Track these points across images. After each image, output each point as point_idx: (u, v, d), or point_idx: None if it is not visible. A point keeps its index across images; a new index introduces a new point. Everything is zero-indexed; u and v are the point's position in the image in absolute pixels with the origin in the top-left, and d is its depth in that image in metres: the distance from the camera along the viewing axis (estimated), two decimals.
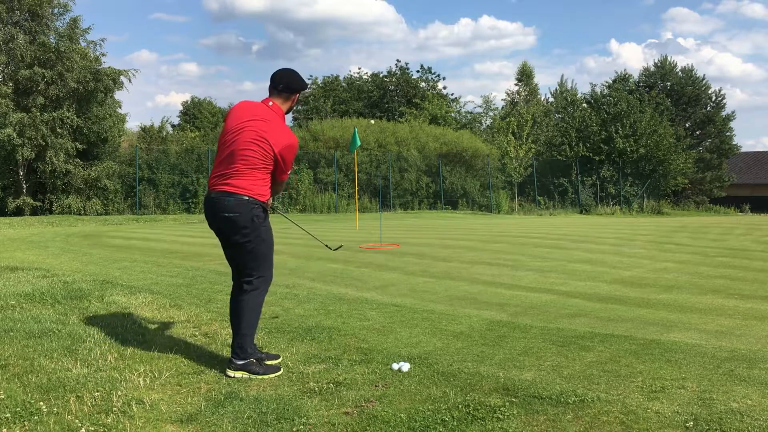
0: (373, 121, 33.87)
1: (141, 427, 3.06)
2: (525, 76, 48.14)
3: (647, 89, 43.24)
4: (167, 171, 24.87)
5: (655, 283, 7.28)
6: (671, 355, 4.17)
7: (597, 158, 35.70)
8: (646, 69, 46.16)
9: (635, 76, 45.89)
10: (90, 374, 3.78)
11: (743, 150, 48.50)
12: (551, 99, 48.41)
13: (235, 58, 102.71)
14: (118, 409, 3.24)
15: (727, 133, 44.65)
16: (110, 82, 22.47)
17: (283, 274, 7.99)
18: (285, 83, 3.94)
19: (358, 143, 14.65)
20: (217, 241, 4.12)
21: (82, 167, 22.13)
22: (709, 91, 44.78)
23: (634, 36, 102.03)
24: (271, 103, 3.91)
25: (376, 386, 3.58)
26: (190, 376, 3.82)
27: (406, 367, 3.89)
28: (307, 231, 5.65)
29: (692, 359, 4.08)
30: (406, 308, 5.80)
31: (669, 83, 44.55)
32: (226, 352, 4.26)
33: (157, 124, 28.52)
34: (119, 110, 24.07)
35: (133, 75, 23.61)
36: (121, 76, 23.09)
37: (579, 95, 44.97)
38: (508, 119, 36.53)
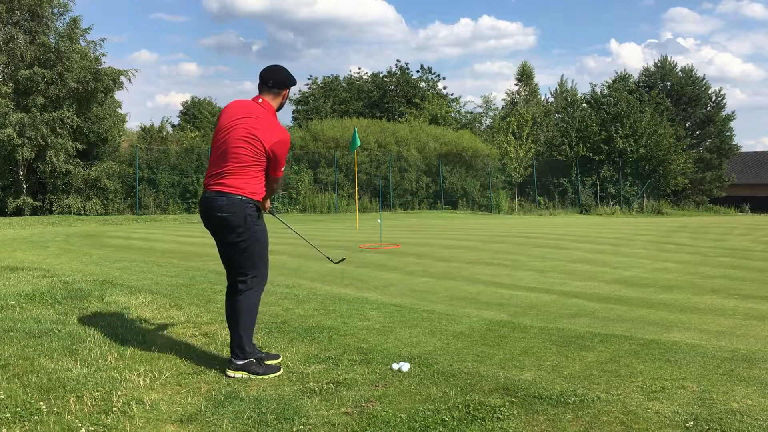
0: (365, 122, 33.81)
1: (141, 427, 3.06)
2: (525, 76, 48.10)
3: (647, 89, 43.22)
4: (167, 171, 24.87)
5: (655, 283, 7.28)
6: (671, 355, 4.17)
7: (597, 158, 35.69)
8: (646, 69, 46.18)
9: (635, 76, 45.94)
10: (90, 374, 3.78)
11: (743, 150, 48.51)
12: (551, 99, 48.42)
13: (235, 58, 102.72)
14: (118, 409, 3.24)
15: (727, 133, 44.64)
16: (110, 82, 22.48)
17: (283, 274, 7.99)
18: (274, 79, 3.92)
19: (358, 143, 14.65)
20: None
21: (82, 167, 22.13)
22: (709, 91, 44.77)
23: (634, 36, 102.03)
24: (261, 100, 3.90)
25: (376, 386, 3.58)
26: (190, 376, 3.82)
27: (406, 367, 3.89)
28: (307, 241, 5.56)
29: (692, 359, 4.08)
30: (406, 308, 5.80)
31: (669, 83, 44.54)
32: (226, 352, 4.26)
33: (157, 124, 28.50)
34: (119, 110, 24.07)
35: (133, 75, 23.64)
36: (121, 76, 23.10)
37: (579, 95, 44.98)
38: (508, 119, 36.52)
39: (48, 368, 3.88)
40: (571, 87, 47.80)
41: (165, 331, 4.87)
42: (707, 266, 8.62)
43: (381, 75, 46.55)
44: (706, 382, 3.61)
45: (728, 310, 5.77)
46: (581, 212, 34.40)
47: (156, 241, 12.54)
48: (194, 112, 46.10)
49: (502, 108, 46.46)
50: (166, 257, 9.76)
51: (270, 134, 3.78)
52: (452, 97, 47.10)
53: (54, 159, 21.06)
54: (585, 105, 40.88)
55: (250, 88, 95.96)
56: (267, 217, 4.33)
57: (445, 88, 51.74)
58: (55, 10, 23.05)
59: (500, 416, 3.13)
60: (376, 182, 29.97)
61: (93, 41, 23.52)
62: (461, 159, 33.13)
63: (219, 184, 3.79)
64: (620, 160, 36.00)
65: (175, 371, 3.89)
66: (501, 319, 5.37)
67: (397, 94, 45.67)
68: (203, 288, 6.81)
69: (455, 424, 3.06)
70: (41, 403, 3.27)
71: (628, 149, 35.47)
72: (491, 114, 46.53)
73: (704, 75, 45.64)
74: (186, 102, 47.10)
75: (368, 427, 3.03)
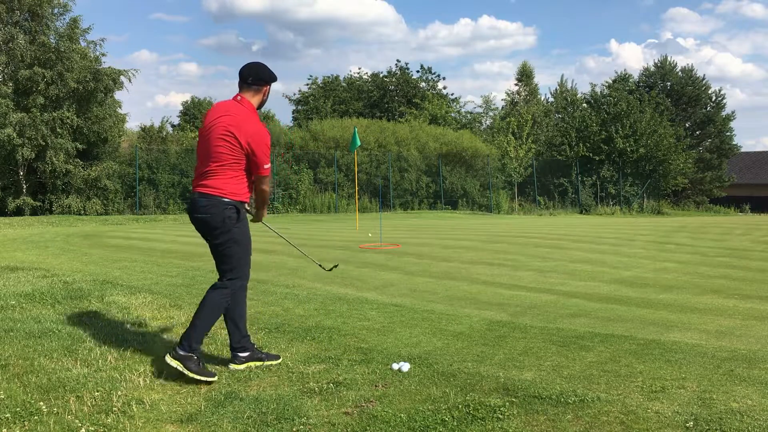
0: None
1: (141, 427, 3.06)
2: (525, 76, 48.08)
3: (647, 89, 43.22)
4: (167, 171, 24.86)
5: (655, 283, 7.28)
6: (671, 355, 4.17)
7: (597, 158, 35.68)
8: (646, 69, 46.17)
9: (635, 76, 45.94)
10: (90, 374, 3.78)
11: (743, 150, 48.50)
12: (551, 99, 48.39)
13: (235, 58, 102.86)
14: (118, 409, 3.24)
15: (727, 133, 44.64)
16: (110, 82, 22.46)
17: (283, 274, 7.99)
18: (253, 76, 3.92)
19: (358, 143, 14.64)
20: None
21: (82, 167, 22.12)
22: (709, 91, 44.76)
23: (634, 36, 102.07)
24: (239, 98, 3.91)
25: (376, 386, 3.58)
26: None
27: (406, 367, 3.89)
28: (298, 248, 5.45)
29: (692, 359, 4.08)
30: (406, 308, 5.80)
31: (669, 83, 44.53)
32: (226, 352, 4.26)
33: (157, 124, 28.47)
34: (119, 110, 24.05)
35: (133, 75, 23.60)
36: (121, 76, 23.08)
37: (579, 95, 44.94)
38: (508, 119, 36.51)
39: (48, 368, 3.88)
40: (571, 87, 47.76)
41: (165, 331, 4.87)
42: (707, 266, 8.62)
43: (381, 75, 46.56)
44: (706, 382, 3.61)
45: (728, 310, 5.77)
46: (581, 212, 34.40)
47: (156, 241, 12.54)
48: (194, 112, 46.08)
49: (502, 108, 46.44)
50: (166, 257, 9.76)
51: (244, 128, 3.76)
52: (452, 97, 47.14)
53: (54, 159, 21.05)
54: (585, 105, 40.87)
55: None
56: (265, 217, 4.32)
57: (445, 88, 51.76)
58: (55, 10, 23.03)
59: (500, 416, 3.13)
60: (376, 182, 29.96)
61: (93, 41, 23.51)
62: (461, 159, 33.12)
63: (201, 185, 3.82)
64: (620, 160, 36.00)
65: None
66: (501, 319, 5.37)
67: (397, 94, 45.66)
68: (203, 288, 6.79)
69: (455, 424, 3.06)
70: (41, 403, 3.27)
71: (628, 149, 35.46)
72: (491, 114, 46.52)
73: (704, 75, 45.67)
74: (186, 102, 47.10)
75: (368, 427, 3.03)
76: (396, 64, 49.60)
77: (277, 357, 4.13)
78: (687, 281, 7.38)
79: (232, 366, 3.95)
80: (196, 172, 3.90)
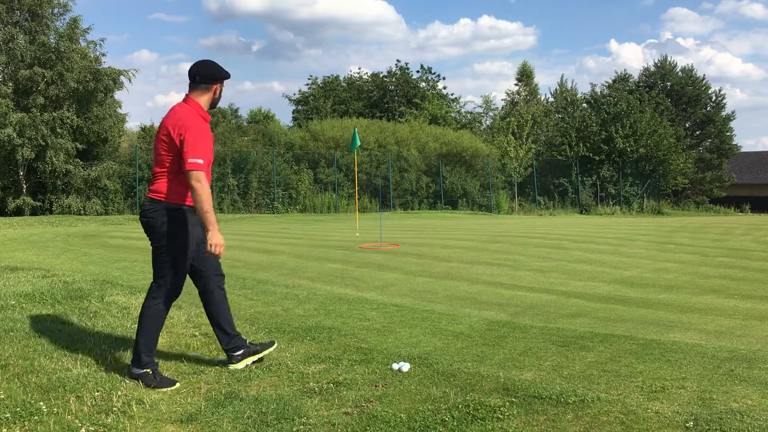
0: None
1: (141, 427, 3.06)
2: (525, 76, 48.10)
3: (647, 89, 43.22)
4: None
5: (655, 283, 7.28)
6: (671, 355, 4.17)
7: (597, 158, 35.68)
8: (646, 69, 46.17)
9: (635, 76, 45.93)
10: (90, 374, 3.78)
11: (743, 150, 48.50)
12: (551, 99, 48.40)
13: (235, 58, 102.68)
14: (118, 409, 3.24)
15: (727, 133, 44.64)
16: (110, 82, 22.46)
17: (283, 274, 7.99)
18: (200, 74, 3.80)
19: (358, 143, 14.63)
20: None
21: (82, 167, 22.12)
22: (709, 91, 44.77)
23: (634, 36, 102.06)
24: (185, 98, 3.84)
25: (376, 386, 3.58)
26: (190, 376, 3.82)
27: (406, 367, 3.89)
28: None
29: (692, 359, 4.08)
30: (406, 308, 5.80)
31: (669, 83, 44.53)
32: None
33: (157, 124, 28.47)
34: (119, 110, 24.06)
35: (133, 75, 23.60)
36: (121, 76, 23.08)
37: (579, 95, 44.96)
38: (508, 119, 36.50)
39: (48, 368, 3.88)
40: (571, 87, 47.77)
41: (165, 331, 4.86)
42: (707, 266, 8.62)
43: (381, 75, 46.56)
44: (706, 382, 3.61)
45: (728, 310, 5.77)
46: (581, 212, 34.40)
47: None
48: None
49: (502, 108, 46.43)
50: None
51: (179, 123, 3.64)
52: (452, 97, 47.12)
53: (54, 159, 21.05)
54: (585, 105, 40.88)
55: (250, 88, 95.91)
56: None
57: (445, 88, 51.72)
58: (55, 10, 23.04)
59: (500, 416, 3.13)
60: (376, 182, 29.97)
61: (93, 41, 23.51)
62: (461, 159, 33.12)
63: (149, 189, 3.81)
64: (620, 160, 35.99)
65: (175, 371, 3.90)
66: (501, 319, 5.37)
67: (397, 94, 45.66)
68: None
69: (455, 424, 3.06)
70: (41, 403, 3.27)
71: (628, 149, 35.46)
72: (491, 114, 46.49)
73: (704, 75, 45.67)
74: None
75: (368, 427, 3.03)
76: (396, 64, 49.63)
77: (271, 343, 4.11)
78: (687, 281, 7.37)
79: (231, 366, 3.95)
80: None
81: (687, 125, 44.19)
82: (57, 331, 4.79)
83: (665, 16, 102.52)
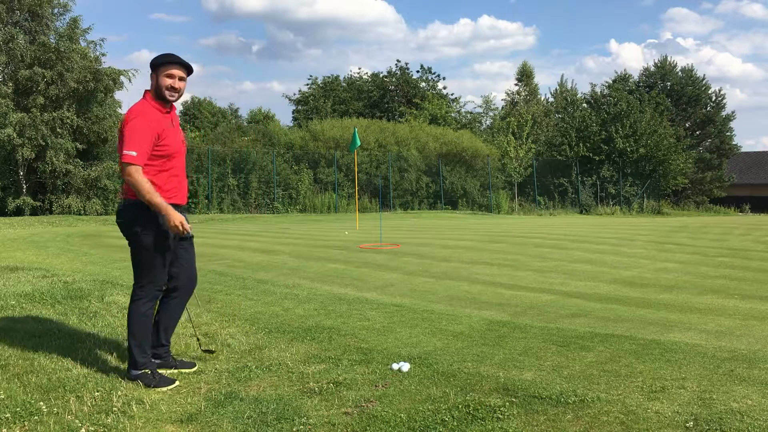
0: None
1: (141, 427, 3.06)
2: (525, 76, 48.10)
3: (647, 89, 43.20)
4: None
5: (655, 283, 7.28)
6: (671, 355, 4.17)
7: (597, 158, 35.67)
8: (646, 69, 46.12)
9: (635, 76, 45.92)
10: (90, 374, 3.78)
11: (743, 150, 48.46)
12: (551, 99, 48.39)
13: (235, 58, 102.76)
14: (118, 409, 3.24)
15: (727, 133, 44.61)
16: (110, 82, 22.47)
17: (283, 274, 7.99)
18: (150, 66, 3.75)
19: (358, 143, 14.65)
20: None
21: (82, 167, 22.13)
22: (709, 91, 44.73)
23: (634, 36, 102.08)
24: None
25: (376, 386, 3.58)
26: (190, 376, 3.82)
27: (406, 367, 3.89)
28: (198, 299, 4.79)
29: (692, 359, 4.08)
30: (406, 308, 5.80)
31: (669, 83, 44.50)
32: (226, 352, 4.26)
33: None
34: (119, 110, 24.05)
35: (133, 75, 23.62)
36: (121, 76, 23.09)
37: (579, 95, 44.95)
38: (508, 119, 36.51)
39: (48, 368, 3.88)
40: (571, 87, 47.78)
41: None
42: (707, 266, 8.62)
43: (381, 75, 46.59)
44: (706, 382, 3.61)
45: (728, 310, 5.77)
46: (581, 212, 34.39)
47: None
48: (194, 112, 46.09)
49: (502, 108, 46.43)
50: None
51: (124, 117, 3.67)
52: (452, 97, 47.13)
53: (54, 159, 21.05)
54: (585, 105, 40.85)
55: (250, 87, 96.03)
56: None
57: (445, 88, 51.78)
58: (55, 10, 23.05)
59: (500, 416, 3.13)
60: (376, 182, 29.96)
61: (93, 41, 23.53)
62: (461, 159, 33.12)
63: (121, 191, 3.79)
64: (620, 160, 35.98)
65: (175, 371, 3.89)
66: (501, 319, 5.37)
67: (397, 94, 45.68)
68: (203, 288, 6.81)
69: (455, 424, 3.06)
70: (41, 403, 3.27)
71: (628, 149, 35.45)
72: (491, 114, 46.52)
73: (704, 75, 45.63)
74: (186, 102, 47.10)
75: (368, 427, 3.03)
76: (396, 64, 49.68)
77: (192, 364, 3.98)
78: (687, 281, 7.37)
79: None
80: None
81: (687, 125, 44.17)
82: (57, 331, 4.79)
83: (665, 16, 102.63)
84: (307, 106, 45.19)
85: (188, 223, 3.64)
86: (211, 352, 4.28)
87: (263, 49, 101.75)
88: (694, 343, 4.51)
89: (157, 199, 3.54)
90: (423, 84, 46.32)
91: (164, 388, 3.58)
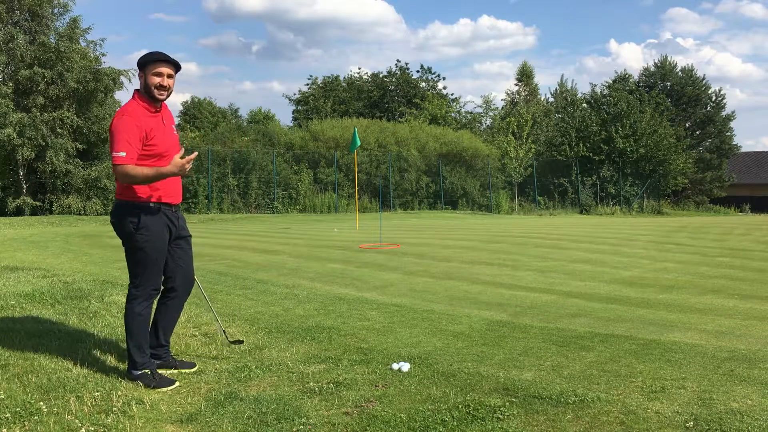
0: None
1: (141, 427, 3.06)
2: (525, 76, 48.12)
3: (647, 89, 43.20)
4: None
5: (655, 283, 7.28)
6: (671, 355, 4.17)
7: (597, 158, 35.68)
8: (646, 69, 46.15)
9: (635, 76, 45.92)
10: (90, 374, 3.78)
11: (743, 150, 48.48)
12: (551, 99, 48.41)
13: (235, 58, 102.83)
14: (118, 409, 3.24)
15: (727, 133, 44.63)
16: (110, 82, 22.48)
17: (283, 274, 7.99)
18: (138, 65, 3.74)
19: (358, 143, 14.64)
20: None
21: (82, 167, 22.13)
22: (709, 91, 44.74)
23: (634, 36, 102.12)
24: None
25: (376, 386, 3.58)
26: (190, 376, 3.82)
27: (406, 367, 3.89)
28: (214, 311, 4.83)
29: (692, 359, 4.07)
30: (406, 308, 5.80)
31: (669, 83, 44.51)
32: (227, 352, 4.26)
33: None
34: None
35: (133, 75, 23.60)
36: (121, 76, 23.11)
37: (579, 95, 44.95)
38: (508, 119, 36.52)
39: (48, 368, 3.88)
40: (571, 87, 47.81)
41: None
42: (707, 266, 8.62)
43: (381, 75, 46.60)
44: (706, 382, 3.61)
45: (728, 310, 5.77)
46: (581, 212, 34.40)
47: None
48: (194, 112, 46.12)
49: (502, 108, 46.45)
50: None
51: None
52: (452, 97, 47.14)
53: (54, 159, 21.06)
54: (585, 105, 40.85)
55: (250, 87, 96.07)
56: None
57: (445, 88, 51.84)
58: (55, 10, 23.06)
59: (500, 416, 3.13)
60: (376, 182, 29.97)
61: (93, 41, 23.58)
62: (461, 159, 33.13)
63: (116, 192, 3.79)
64: (620, 160, 35.98)
65: (175, 371, 3.89)
66: (501, 319, 5.37)
67: (397, 94, 45.68)
68: (203, 288, 6.80)
69: (455, 424, 3.06)
70: (41, 403, 3.27)
71: (628, 149, 35.45)
72: (491, 114, 46.52)
73: (704, 75, 45.65)
74: (186, 102, 47.14)
75: (368, 427, 3.03)
76: (396, 64, 49.65)
77: (192, 365, 3.98)
78: (687, 281, 7.37)
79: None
80: None
81: (687, 125, 44.18)
82: (57, 331, 4.79)
83: (665, 16, 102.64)
84: (307, 106, 45.20)
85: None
86: (240, 342, 4.38)
87: (263, 49, 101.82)
88: (694, 343, 4.51)
89: (154, 171, 3.53)
90: (423, 84, 46.33)
91: (164, 389, 3.59)
